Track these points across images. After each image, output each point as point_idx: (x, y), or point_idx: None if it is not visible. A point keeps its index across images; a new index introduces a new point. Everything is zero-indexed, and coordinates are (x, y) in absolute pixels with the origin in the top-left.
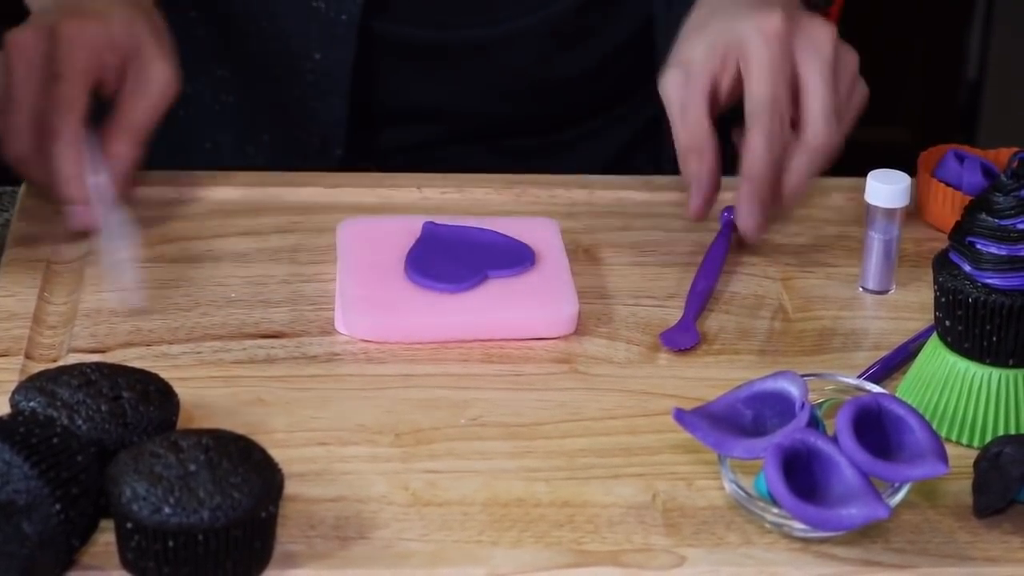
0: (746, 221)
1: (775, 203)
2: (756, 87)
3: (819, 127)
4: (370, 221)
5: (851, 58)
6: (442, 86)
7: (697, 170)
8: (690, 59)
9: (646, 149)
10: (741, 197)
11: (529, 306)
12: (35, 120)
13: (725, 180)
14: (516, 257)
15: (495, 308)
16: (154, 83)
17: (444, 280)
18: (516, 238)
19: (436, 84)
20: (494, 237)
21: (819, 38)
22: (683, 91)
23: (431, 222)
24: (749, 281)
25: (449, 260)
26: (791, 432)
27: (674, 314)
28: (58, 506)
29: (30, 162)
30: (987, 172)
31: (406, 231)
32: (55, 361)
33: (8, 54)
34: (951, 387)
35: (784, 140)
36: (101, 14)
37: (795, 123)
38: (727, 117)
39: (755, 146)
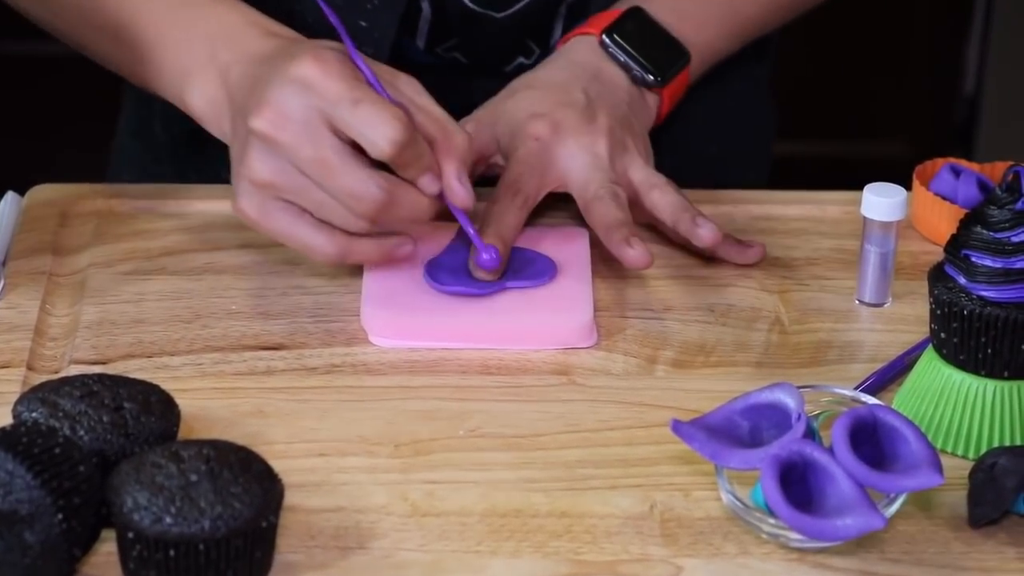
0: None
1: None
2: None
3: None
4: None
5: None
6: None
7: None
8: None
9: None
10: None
11: (542, 315)
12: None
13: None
14: (537, 269)
15: (510, 315)
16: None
17: (462, 285)
18: (541, 251)
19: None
20: (516, 250)
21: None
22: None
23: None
24: (746, 294)
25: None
26: (787, 443)
27: (672, 327)
28: (60, 516)
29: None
30: (982, 186)
31: (439, 234)
32: (57, 373)
33: (272, 142)
34: (946, 399)
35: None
36: (306, 48)
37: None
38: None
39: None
